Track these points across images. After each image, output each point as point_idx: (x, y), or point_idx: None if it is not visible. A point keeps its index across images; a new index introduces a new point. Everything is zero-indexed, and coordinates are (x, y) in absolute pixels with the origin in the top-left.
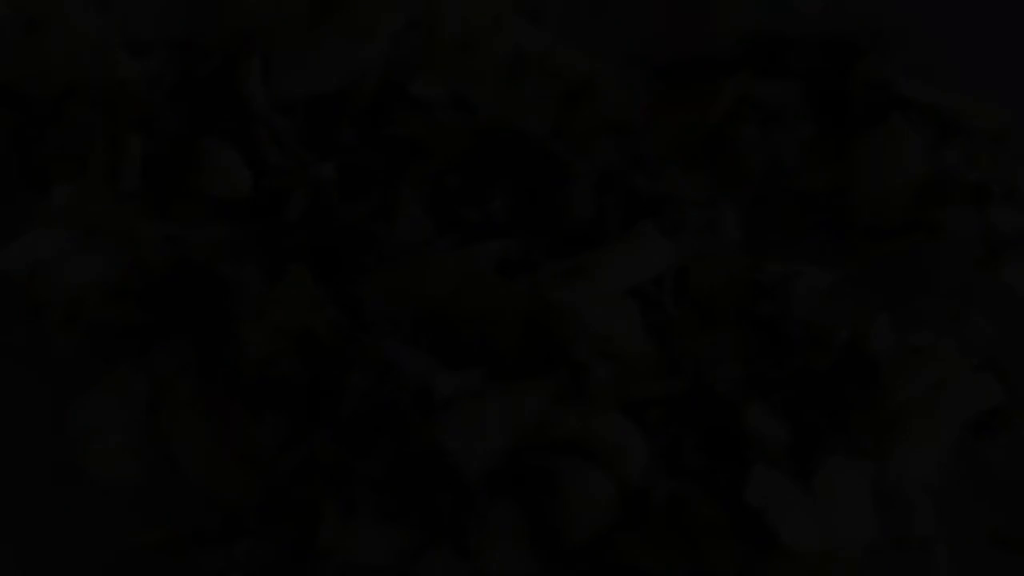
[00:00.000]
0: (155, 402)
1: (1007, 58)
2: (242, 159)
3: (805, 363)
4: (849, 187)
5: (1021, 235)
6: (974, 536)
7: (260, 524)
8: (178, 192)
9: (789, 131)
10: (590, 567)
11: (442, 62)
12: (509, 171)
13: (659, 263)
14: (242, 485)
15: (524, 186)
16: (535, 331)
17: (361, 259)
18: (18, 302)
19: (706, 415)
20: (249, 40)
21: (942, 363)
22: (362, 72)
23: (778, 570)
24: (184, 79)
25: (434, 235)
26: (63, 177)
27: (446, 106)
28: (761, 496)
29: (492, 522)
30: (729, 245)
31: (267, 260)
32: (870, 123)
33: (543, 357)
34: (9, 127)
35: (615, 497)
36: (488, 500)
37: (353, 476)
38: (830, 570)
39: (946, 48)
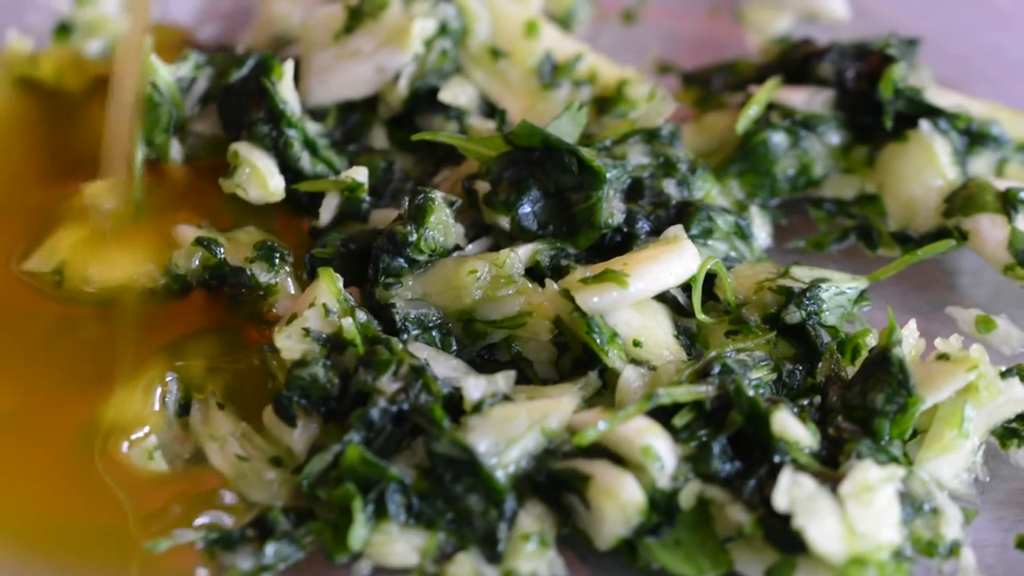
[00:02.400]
0: (186, 403)
1: None
2: (275, 163)
3: (833, 369)
4: (878, 194)
5: None
6: (1002, 543)
7: (290, 526)
8: (210, 195)
9: (818, 138)
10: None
11: (474, 68)
12: (539, 177)
13: (688, 269)
14: (272, 487)
15: (554, 191)
16: (564, 335)
17: (392, 263)
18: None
19: (734, 420)
20: (282, 45)
21: (970, 370)
22: (394, 78)
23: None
24: (217, 83)
25: (464, 239)
26: (94, 176)
27: (477, 112)
28: (789, 501)
29: (521, 526)
30: (758, 251)
31: (298, 264)
32: (899, 131)
33: (572, 361)
34: (41, 124)
35: (644, 502)
36: (517, 504)
37: (383, 479)
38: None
39: (975, 56)
